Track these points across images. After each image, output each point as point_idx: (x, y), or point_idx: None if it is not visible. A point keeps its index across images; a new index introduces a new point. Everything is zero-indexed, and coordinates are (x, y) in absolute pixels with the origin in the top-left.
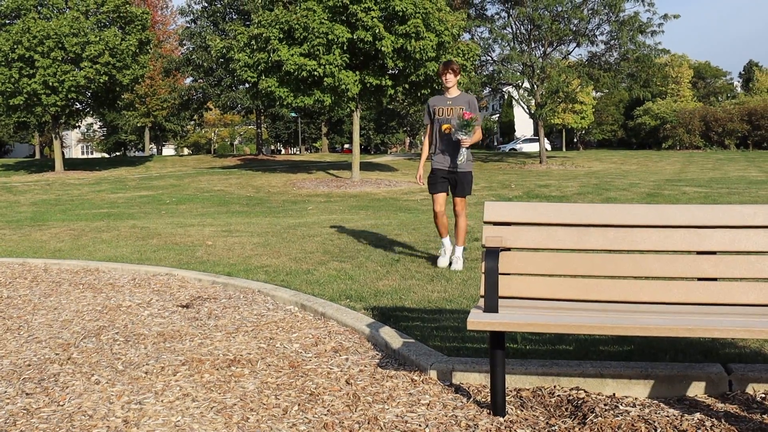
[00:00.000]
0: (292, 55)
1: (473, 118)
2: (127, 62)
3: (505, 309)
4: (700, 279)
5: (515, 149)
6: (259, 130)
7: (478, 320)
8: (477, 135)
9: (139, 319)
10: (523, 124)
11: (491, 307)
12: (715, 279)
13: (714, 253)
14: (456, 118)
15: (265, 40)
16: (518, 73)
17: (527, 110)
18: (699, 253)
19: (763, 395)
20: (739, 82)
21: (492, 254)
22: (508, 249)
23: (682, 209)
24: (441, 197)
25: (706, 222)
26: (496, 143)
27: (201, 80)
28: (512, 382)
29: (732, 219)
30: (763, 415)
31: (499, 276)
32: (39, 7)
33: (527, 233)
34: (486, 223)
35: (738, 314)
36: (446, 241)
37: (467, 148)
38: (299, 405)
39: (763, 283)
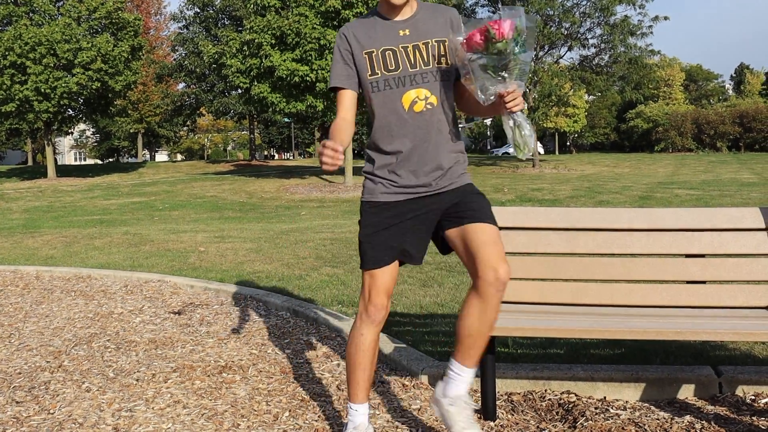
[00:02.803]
0: (285, 61)
1: (519, 24)
2: (120, 68)
3: None
4: (689, 282)
5: (508, 153)
6: (252, 136)
7: None
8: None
9: (130, 326)
10: None
11: None
12: (703, 282)
13: (702, 256)
14: (470, 55)
15: (257, 46)
16: None
17: None
18: (688, 256)
19: (753, 397)
20: (730, 84)
21: None
22: None
23: (671, 212)
24: (386, 276)
25: (694, 225)
26: (489, 147)
27: (193, 86)
28: (503, 386)
29: (720, 222)
30: (753, 417)
31: None
32: (31, 14)
33: (517, 238)
34: None
35: (727, 317)
36: (364, 410)
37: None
38: (290, 411)
39: (752, 285)
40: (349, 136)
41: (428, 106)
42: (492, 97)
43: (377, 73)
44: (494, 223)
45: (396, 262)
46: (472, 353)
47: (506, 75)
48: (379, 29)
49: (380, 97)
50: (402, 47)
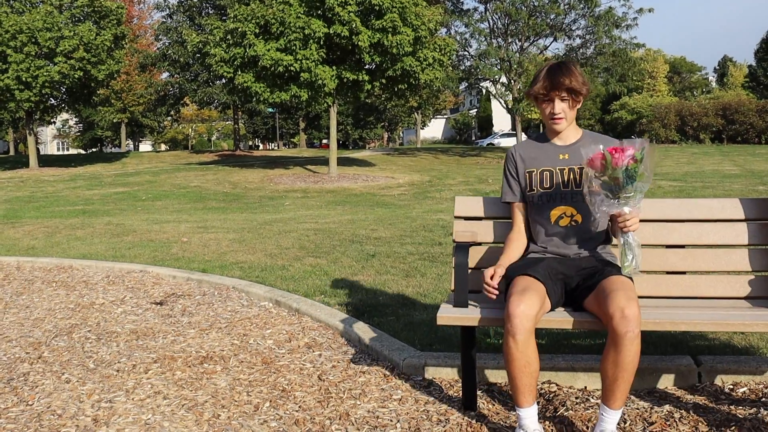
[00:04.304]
0: (269, 50)
1: (639, 156)
2: (102, 57)
3: (476, 304)
4: (668, 272)
5: (493, 144)
6: (236, 126)
7: (448, 315)
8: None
9: (112, 317)
10: (500, 118)
11: (461, 302)
12: (683, 272)
13: (683, 246)
14: (592, 173)
15: (241, 35)
16: (495, 68)
17: (504, 105)
18: (668, 247)
19: (731, 386)
20: (713, 77)
21: (462, 249)
22: (479, 244)
23: (652, 203)
24: (537, 290)
25: (674, 216)
26: (474, 138)
27: (177, 75)
28: (485, 376)
29: (700, 213)
30: (731, 406)
31: (471, 271)
32: (11, 1)
33: (499, 228)
34: (457, 218)
35: (705, 307)
36: (530, 413)
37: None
38: (271, 401)
39: (730, 275)
40: (520, 250)
41: (573, 223)
42: (598, 214)
43: (533, 190)
44: (626, 276)
45: (541, 284)
46: (612, 395)
47: (620, 199)
48: (543, 152)
49: (534, 208)
50: (559, 169)
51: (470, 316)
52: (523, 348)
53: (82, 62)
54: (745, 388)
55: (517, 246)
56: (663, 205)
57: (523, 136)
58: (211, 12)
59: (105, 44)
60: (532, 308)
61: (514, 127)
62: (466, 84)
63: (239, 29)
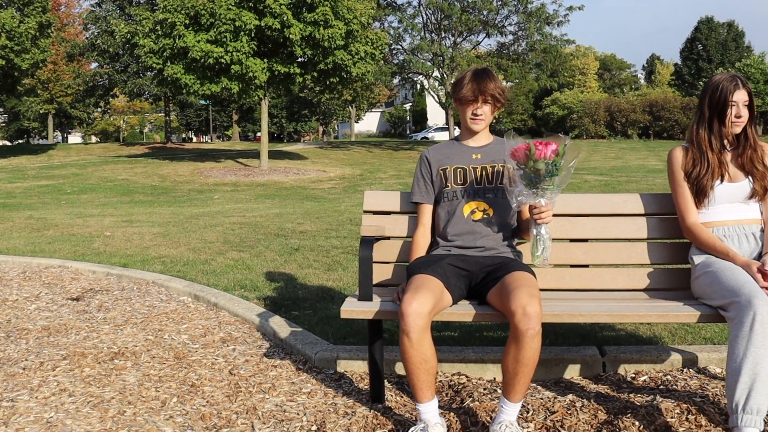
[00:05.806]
0: (198, 42)
1: (561, 151)
2: (26, 46)
3: (381, 297)
4: (572, 266)
5: (427, 138)
6: (167, 118)
7: (351, 308)
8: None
9: (24, 314)
10: (435, 112)
11: (365, 295)
12: (587, 266)
13: (586, 240)
14: (514, 164)
15: (170, 26)
16: (428, 63)
17: (437, 99)
18: (572, 240)
19: (633, 375)
20: (642, 74)
21: (366, 243)
22: (388, 238)
23: (558, 198)
24: (431, 287)
25: (578, 210)
26: (408, 131)
27: (107, 66)
28: (396, 368)
29: (603, 207)
30: (630, 395)
31: (379, 264)
32: None
33: (408, 222)
34: (365, 212)
35: (605, 299)
36: (430, 408)
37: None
38: (179, 397)
39: (631, 268)
40: (425, 247)
41: (485, 216)
42: (515, 204)
43: (448, 186)
44: (529, 271)
45: (438, 281)
46: (512, 389)
47: (538, 190)
48: (456, 151)
49: (448, 204)
50: (472, 167)
51: (371, 309)
52: (418, 345)
53: (5, 50)
54: (645, 377)
55: (423, 250)
56: (568, 200)
57: (456, 130)
58: (141, 2)
59: (29, 32)
60: (424, 306)
61: (447, 122)
62: (399, 78)
63: (169, 20)
